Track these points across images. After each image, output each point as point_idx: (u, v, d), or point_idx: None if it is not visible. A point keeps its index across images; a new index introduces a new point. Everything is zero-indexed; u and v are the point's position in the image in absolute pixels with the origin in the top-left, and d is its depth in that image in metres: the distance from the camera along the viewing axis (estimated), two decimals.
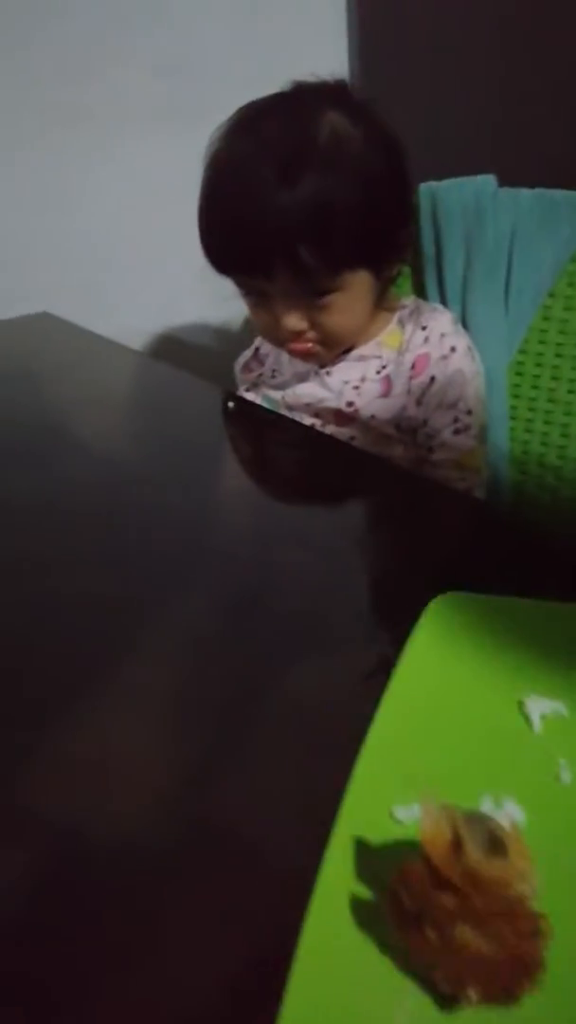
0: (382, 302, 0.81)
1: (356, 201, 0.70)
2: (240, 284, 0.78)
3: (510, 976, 0.25)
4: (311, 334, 0.77)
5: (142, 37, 1.09)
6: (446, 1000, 0.26)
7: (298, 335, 0.77)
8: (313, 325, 0.76)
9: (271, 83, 0.76)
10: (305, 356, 0.81)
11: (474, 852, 0.27)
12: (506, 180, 0.86)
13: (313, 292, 0.74)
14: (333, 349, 0.80)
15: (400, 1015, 0.27)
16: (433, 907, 0.26)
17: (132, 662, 0.44)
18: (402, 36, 1.11)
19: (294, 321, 0.75)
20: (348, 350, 0.82)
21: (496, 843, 0.28)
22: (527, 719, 0.35)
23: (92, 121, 1.09)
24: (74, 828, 0.35)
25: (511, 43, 1.03)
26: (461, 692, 0.37)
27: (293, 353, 0.81)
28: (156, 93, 1.11)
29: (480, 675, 0.38)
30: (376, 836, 0.32)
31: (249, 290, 0.77)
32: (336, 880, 0.30)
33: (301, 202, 0.68)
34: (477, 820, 0.28)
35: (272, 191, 0.68)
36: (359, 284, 0.75)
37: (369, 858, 0.31)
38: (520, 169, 0.85)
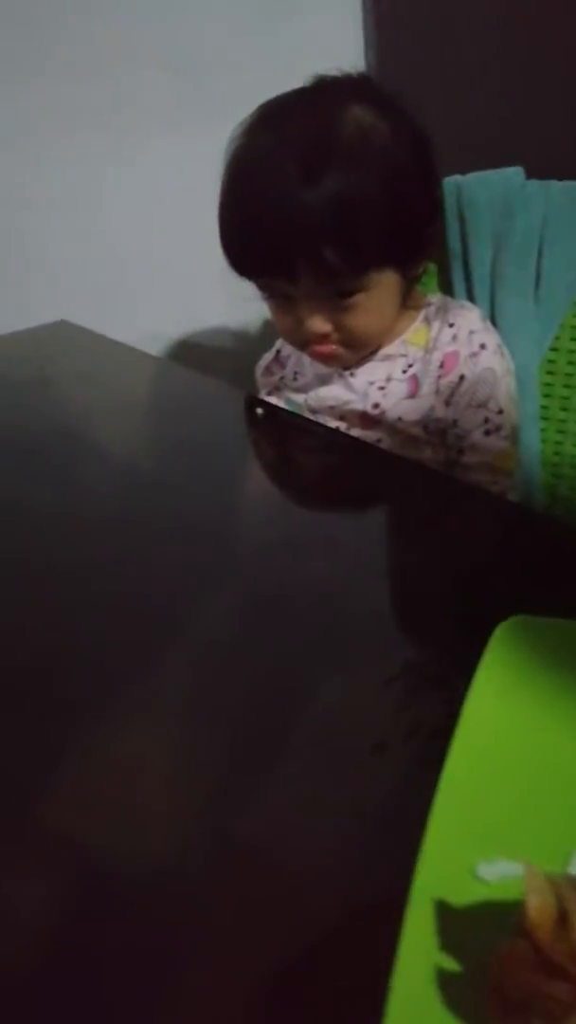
0: (407, 300, 0.78)
1: (382, 197, 0.67)
2: (262, 286, 0.75)
3: None
4: (335, 336, 0.74)
5: (158, 36, 1.06)
6: None
7: (322, 337, 0.74)
8: (337, 327, 0.73)
9: (288, 80, 0.73)
10: (328, 359, 0.78)
11: None
12: (533, 173, 0.83)
13: (338, 293, 0.71)
14: (357, 351, 0.77)
15: None
16: (542, 997, 0.23)
17: (153, 673, 0.43)
18: (420, 29, 1.07)
19: (318, 323, 0.73)
20: (373, 351, 0.78)
21: None
22: None
23: (108, 124, 1.06)
24: (97, 843, 0.33)
25: (533, 33, 0.99)
26: (541, 731, 0.34)
27: (316, 357, 0.78)
28: (171, 93, 1.08)
29: (563, 712, 0.34)
30: (459, 899, 0.29)
31: (271, 292, 0.74)
32: (419, 951, 0.27)
33: (325, 200, 0.65)
34: None
35: (295, 189, 0.65)
36: (385, 284, 0.72)
37: (454, 924, 0.28)
38: (547, 161, 0.82)
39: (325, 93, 0.71)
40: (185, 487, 0.63)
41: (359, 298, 0.71)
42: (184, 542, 0.54)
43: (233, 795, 0.34)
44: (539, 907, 0.24)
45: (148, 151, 1.08)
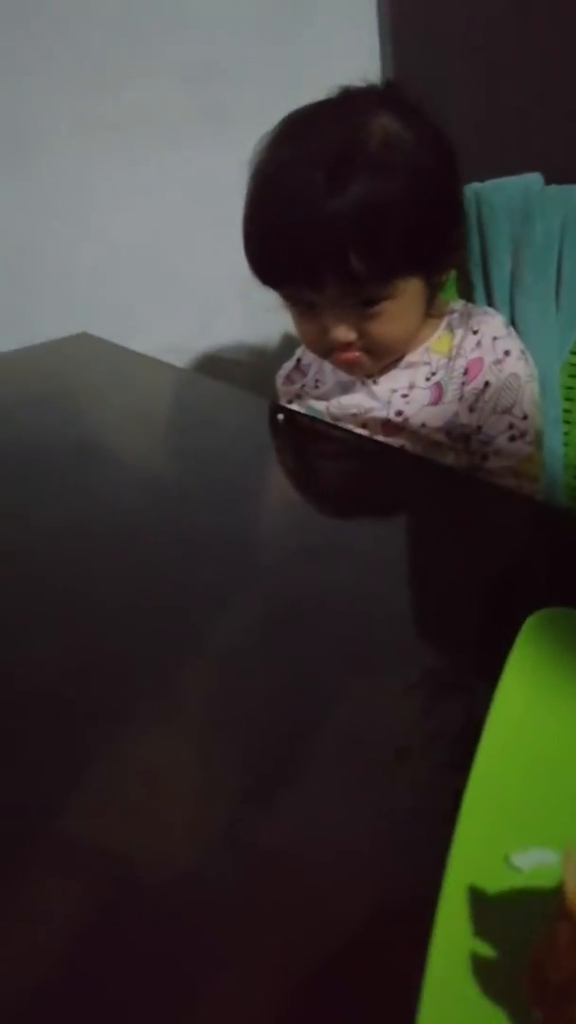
0: (431, 308, 0.78)
1: (408, 205, 0.67)
2: (286, 296, 0.75)
3: None
4: (359, 343, 0.74)
5: (172, 45, 1.08)
6: None
7: (346, 345, 0.74)
8: (362, 335, 0.73)
9: (302, 89, 0.73)
10: (352, 366, 0.78)
11: None
12: (552, 178, 0.83)
13: (363, 301, 0.71)
14: (381, 359, 0.77)
15: None
16: None
17: (176, 681, 0.43)
18: (435, 37, 1.08)
19: (343, 332, 0.72)
20: (397, 359, 0.79)
21: None
22: None
23: (126, 136, 1.08)
24: (122, 855, 0.33)
25: (549, 40, 1.00)
26: (572, 721, 0.33)
27: (339, 365, 0.78)
28: (187, 103, 1.10)
29: None
30: (493, 887, 0.28)
31: (295, 301, 0.75)
32: (454, 940, 0.27)
33: (351, 208, 0.66)
34: None
35: (322, 197, 0.66)
36: (411, 291, 0.72)
37: (489, 913, 0.28)
38: (566, 166, 0.83)
39: (350, 103, 0.72)
40: (208, 496, 0.63)
41: (385, 306, 0.71)
42: (207, 551, 0.54)
43: (257, 801, 0.34)
44: None
45: (166, 163, 1.10)
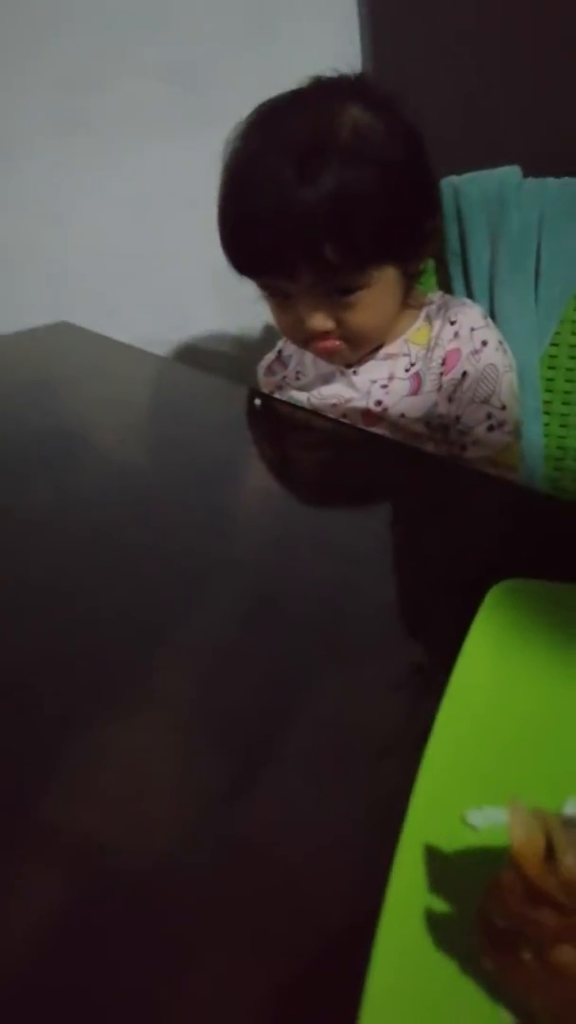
0: (408, 298, 0.78)
1: (379, 194, 0.68)
2: (262, 286, 0.75)
3: None
4: (337, 332, 0.75)
5: (150, 43, 1.08)
6: None
7: (323, 335, 0.74)
8: (339, 324, 0.74)
9: (284, 87, 0.74)
10: (331, 355, 0.78)
11: (572, 861, 0.23)
12: (529, 171, 0.84)
13: (338, 290, 0.71)
14: (359, 348, 0.77)
15: None
16: (530, 925, 0.23)
17: (154, 671, 0.42)
18: (416, 33, 1.09)
19: (319, 321, 0.73)
20: (376, 349, 0.79)
21: None
22: None
23: (105, 128, 1.08)
24: (100, 845, 0.33)
25: (528, 34, 1.01)
26: (532, 685, 0.34)
27: (318, 353, 0.78)
28: (166, 99, 1.10)
29: (552, 667, 0.34)
30: (448, 844, 0.28)
31: (272, 291, 0.75)
32: (407, 894, 0.27)
33: (323, 198, 0.66)
34: (573, 826, 0.24)
35: (293, 188, 0.66)
36: (385, 280, 0.73)
37: (443, 869, 0.28)
38: (543, 159, 0.83)
39: (320, 93, 0.72)
40: (187, 485, 0.63)
41: (360, 295, 0.72)
42: (186, 541, 0.54)
43: (235, 792, 0.34)
44: (525, 838, 0.23)
45: (148, 159, 1.10)
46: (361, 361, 0.80)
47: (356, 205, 0.67)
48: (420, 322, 0.80)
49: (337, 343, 0.75)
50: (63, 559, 0.53)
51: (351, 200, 0.67)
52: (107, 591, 0.49)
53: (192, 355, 1.21)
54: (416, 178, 0.72)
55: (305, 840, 0.31)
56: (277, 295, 0.75)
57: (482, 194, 0.83)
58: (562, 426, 0.84)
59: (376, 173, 0.68)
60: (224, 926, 0.29)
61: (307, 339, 0.76)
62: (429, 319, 0.79)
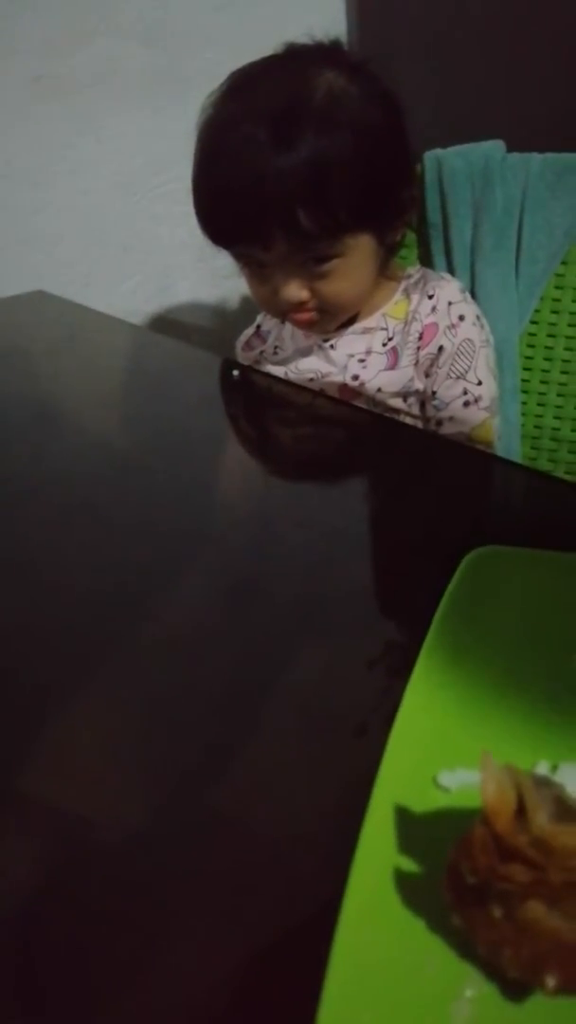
0: (386, 271, 0.78)
1: (355, 160, 0.66)
2: (237, 256, 0.74)
3: None
4: (312, 302, 0.74)
5: (130, 8, 1.05)
6: (515, 987, 0.23)
7: (299, 305, 0.73)
8: (314, 293, 0.73)
9: (263, 50, 0.72)
10: (307, 325, 0.77)
11: (543, 818, 0.23)
12: (514, 147, 0.83)
13: (313, 259, 0.70)
14: (336, 317, 0.76)
15: (459, 1005, 0.23)
16: (500, 881, 0.22)
17: (131, 651, 0.41)
18: (402, 3, 1.08)
19: (294, 291, 0.72)
20: (351, 321, 0.78)
21: (564, 812, 0.24)
22: None
23: (81, 93, 1.06)
24: (78, 820, 0.32)
25: (515, 9, 1.00)
26: (505, 650, 0.33)
27: (295, 323, 0.77)
28: (144, 64, 1.08)
29: (524, 632, 0.34)
30: (419, 806, 0.28)
31: (247, 261, 0.74)
32: (377, 854, 0.27)
33: (297, 165, 0.65)
34: (544, 784, 0.24)
35: (267, 155, 0.65)
36: (361, 249, 0.72)
37: (413, 830, 0.27)
38: (527, 135, 0.83)
39: (295, 59, 0.70)
40: (165, 458, 0.62)
41: (335, 264, 0.71)
42: (163, 513, 0.53)
43: (213, 768, 0.34)
44: (496, 794, 0.23)
45: (126, 126, 1.08)
46: (339, 335, 0.79)
47: (331, 171, 0.66)
48: (398, 296, 0.79)
49: (312, 314, 0.74)
50: (37, 532, 0.52)
51: (326, 166, 0.65)
52: (82, 564, 0.48)
53: (171, 326, 1.19)
54: (393, 144, 0.71)
55: (283, 813, 0.31)
56: (252, 265, 0.74)
57: (467, 168, 0.82)
58: (539, 404, 0.84)
59: (351, 138, 0.66)
60: (201, 895, 0.29)
61: (283, 310, 0.75)
62: (407, 293, 0.79)
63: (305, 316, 0.74)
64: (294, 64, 0.70)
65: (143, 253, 1.12)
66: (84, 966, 0.27)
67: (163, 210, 1.08)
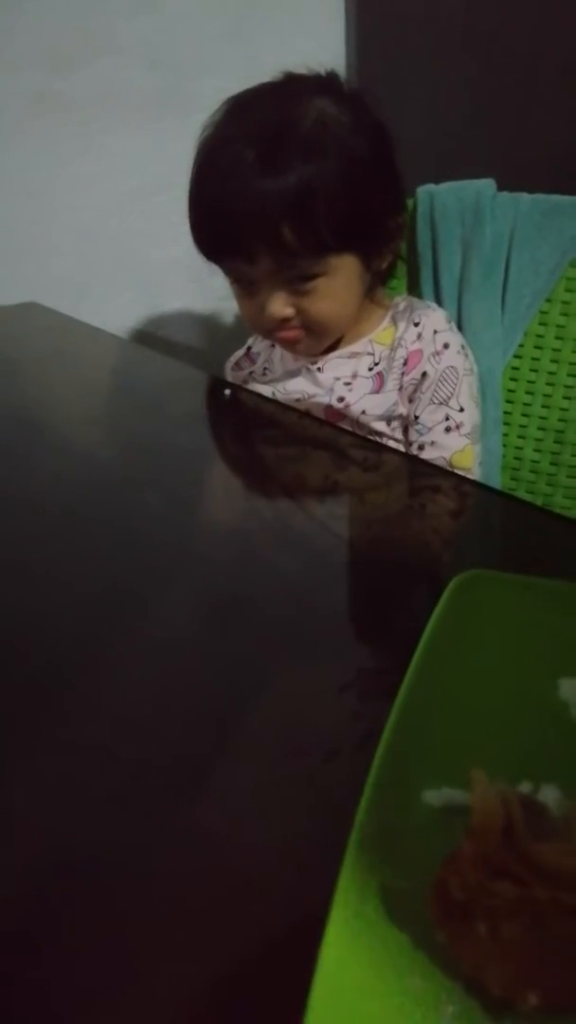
0: (373, 296, 0.79)
1: (340, 185, 0.68)
2: (227, 271, 0.76)
3: None
4: (296, 320, 0.75)
5: (133, 28, 1.07)
6: (498, 1005, 0.23)
7: (283, 322, 0.74)
8: (299, 311, 0.74)
9: (263, 77, 0.74)
10: (292, 344, 0.78)
11: (530, 836, 0.23)
12: (504, 185, 0.85)
13: (297, 277, 0.72)
14: (320, 338, 0.78)
15: (442, 1022, 0.23)
16: (486, 897, 0.23)
17: (112, 668, 0.41)
18: (402, 38, 1.11)
19: (278, 307, 0.73)
20: (337, 345, 0.79)
21: (549, 831, 0.25)
22: (563, 702, 0.33)
23: (81, 111, 1.07)
24: (53, 834, 0.32)
25: (508, 56, 1.03)
26: (489, 673, 0.34)
27: (280, 342, 0.78)
28: (146, 85, 1.09)
29: (509, 655, 0.35)
30: (404, 823, 0.28)
31: (236, 277, 0.75)
32: (361, 872, 0.27)
33: (283, 186, 0.67)
34: (529, 803, 0.25)
35: (254, 175, 0.67)
36: (345, 270, 0.73)
37: (398, 847, 0.28)
38: (517, 174, 0.85)
39: (290, 86, 0.73)
40: (152, 473, 0.62)
41: (319, 283, 0.72)
42: (149, 530, 0.53)
43: (194, 788, 0.33)
44: (485, 811, 0.23)
45: (121, 140, 1.09)
46: (326, 359, 0.80)
47: (315, 194, 0.68)
48: (385, 323, 0.81)
49: (297, 332, 0.76)
50: (22, 545, 0.52)
51: (310, 189, 0.67)
52: (65, 578, 0.48)
53: (162, 343, 1.20)
54: (380, 173, 0.74)
55: (267, 832, 0.31)
56: (241, 282, 0.75)
57: (458, 204, 0.84)
58: (520, 437, 0.86)
59: (338, 164, 0.69)
60: (182, 913, 0.28)
61: (268, 328, 0.76)
62: (394, 321, 0.81)
63: (290, 334, 0.76)
64: (288, 90, 0.73)
65: (136, 270, 1.13)
66: (57, 979, 0.26)
67: (158, 229, 1.09)
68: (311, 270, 0.71)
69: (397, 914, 0.26)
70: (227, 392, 0.75)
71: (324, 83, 0.74)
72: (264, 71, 0.74)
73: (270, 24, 1.14)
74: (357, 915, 0.26)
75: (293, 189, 0.67)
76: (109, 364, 0.86)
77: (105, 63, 1.07)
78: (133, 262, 1.12)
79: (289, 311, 0.73)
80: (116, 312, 1.10)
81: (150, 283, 1.14)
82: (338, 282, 0.73)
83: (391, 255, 0.79)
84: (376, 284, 0.79)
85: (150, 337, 1.18)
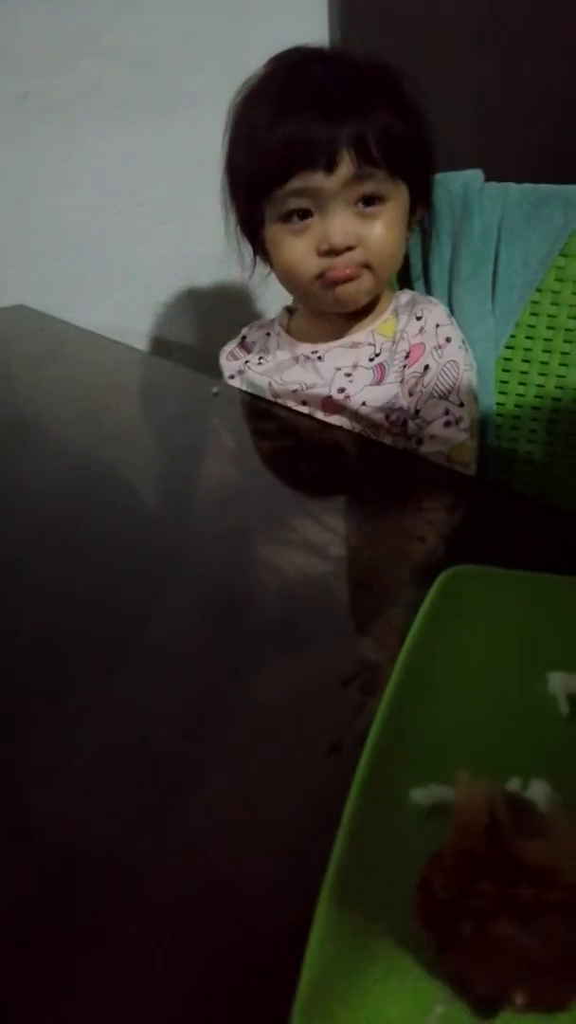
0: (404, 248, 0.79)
1: (408, 120, 0.73)
2: (284, 200, 0.74)
3: (562, 977, 0.21)
4: (357, 253, 0.74)
5: (116, 28, 1.07)
6: (485, 1005, 0.23)
7: (345, 253, 0.73)
8: (360, 242, 0.73)
9: (248, 75, 0.74)
10: (344, 283, 0.75)
11: (514, 835, 0.23)
12: (491, 175, 0.85)
13: (365, 197, 0.73)
14: (374, 278, 0.76)
15: (429, 1022, 0.23)
16: (470, 897, 0.22)
17: (105, 666, 0.41)
18: (385, 27, 1.10)
19: (346, 227, 0.72)
20: (341, 333, 0.79)
21: (536, 828, 0.24)
22: (552, 696, 0.32)
23: (66, 112, 1.07)
24: (43, 833, 0.32)
25: (495, 47, 1.03)
26: (477, 668, 0.34)
27: (333, 280, 0.75)
28: (131, 84, 1.09)
29: (497, 650, 0.34)
30: (391, 822, 0.28)
31: (296, 202, 0.73)
32: (348, 871, 0.27)
33: (369, 105, 0.71)
34: (516, 800, 0.24)
35: (343, 96, 0.71)
36: (403, 201, 0.75)
37: (385, 846, 0.27)
38: (505, 164, 0.85)
39: (327, 52, 0.76)
40: (141, 474, 0.62)
41: (384, 208, 0.73)
42: (142, 531, 0.53)
43: (184, 785, 0.33)
44: (468, 809, 0.23)
45: (112, 145, 1.09)
46: (327, 347, 0.80)
47: (395, 119, 0.72)
48: (387, 315, 0.80)
49: (355, 268, 0.74)
50: (16, 546, 0.52)
51: (392, 114, 0.72)
52: (57, 579, 0.48)
53: (152, 343, 1.19)
54: (428, 127, 0.76)
55: (254, 830, 0.31)
56: (298, 208, 0.73)
57: (447, 196, 0.84)
58: (514, 428, 0.85)
59: (404, 101, 0.74)
60: (166, 911, 0.28)
61: (320, 272, 0.75)
62: (396, 313, 0.80)
63: (346, 272, 0.74)
64: (334, 53, 0.77)
65: (126, 270, 1.12)
66: (51, 995, 0.26)
67: (147, 228, 1.09)
68: (379, 190, 0.73)
69: (384, 914, 0.25)
70: (215, 391, 0.75)
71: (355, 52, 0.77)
72: (248, 69, 0.74)
73: (253, 22, 1.13)
74: (344, 916, 0.25)
75: (379, 109, 0.71)
76: (99, 365, 0.85)
77: (89, 64, 1.06)
78: (122, 262, 1.12)
79: (352, 239, 0.73)
80: (106, 313, 1.10)
81: (140, 283, 1.13)
82: (396, 214, 0.74)
83: (415, 223, 0.80)
84: (410, 228, 0.80)
85: (140, 336, 1.18)
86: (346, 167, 0.71)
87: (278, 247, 0.77)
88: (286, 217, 0.75)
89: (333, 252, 0.73)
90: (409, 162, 0.74)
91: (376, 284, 0.77)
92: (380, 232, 0.74)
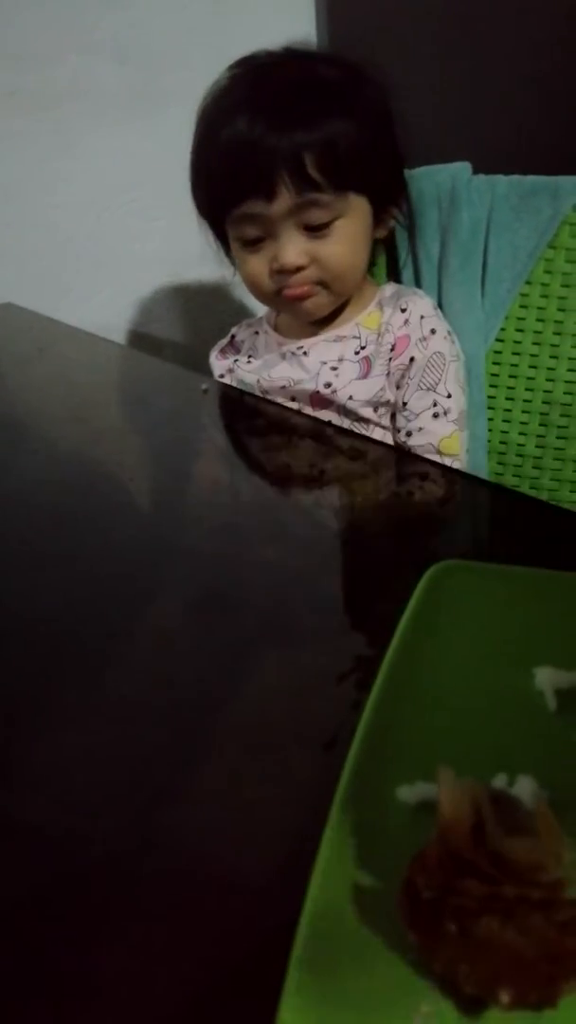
0: (368, 270, 0.79)
1: (362, 126, 0.71)
2: (236, 223, 0.74)
3: (548, 975, 0.21)
4: (310, 272, 0.74)
5: (103, 24, 1.06)
6: (470, 1003, 0.23)
7: (295, 273, 0.73)
8: (313, 261, 0.73)
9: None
10: (302, 300, 0.76)
11: (499, 833, 0.23)
12: (479, 168, 0.85)
13: (313, 220, 0.71)
14: (331, 293, 0.76)
15: (416, 1021, 0.23)
16: (455, 896, 0.22)
17: (98, 663, 0.41)
18: (372, 27, 1.10)
19: (293, 252, 0.72)
20: (325, 325, 0.79)
21: (521, 826, 0.24)
22: (539, 691, 0.32)
23: (54, 109, 1.06)
24: (37, 834, 0.32)
25: (481, 37, 1.02)
26: (464, 664, 0.34)
27: (288, 301, 0.76)
28: (118, 81, 1.08)
29: (484, 645, 0.34)
30: (378, 820, 0.28)
31: (246, 228, 0.73)
32: (335, 870, 0.27)
33: (311, 121, 0.69)
34: (502, 798, 0.24)
35: (279, 112, 0.69)
36: (361, 214, 0.74)
37: (372, 845, 0.27)
38: (493, 156, 0.84)
39: (295, 54, 0.74)
40: (132, 471, 0.61)
41: (337, 225, 0.72)
42: (133, 529, 0.53)
43: (174, 781, 0.33)
44: (453, 809, 0.23)
45: (99, 143, 1.08)
46: (312, 341, 0.79)
47: (340, 129, 0.70)
48: (372, 308, 0.80)
49: (307, 287, 0.74)
50: (4, 544, 0.52)
51: (337, 126, 0.69)
52: (49, 576, 0.48)
53: (142, 341, 1.19)
54: (392, 129, 0.75)
55: (243, 827, 0.31)
56: (251, 235, 0.73)
57: (434, 189, 0.83)
58: (505, 421, 0.85)
59: (358, 107, 0.71)
60: (156, 909, 0.28)
61: (278, 289, 0.75)
62: (381, 306, 0.80)
63: (301, 290, 0.74)
64: (297, 56, 0.75)
65: (114, 267, 1.12)
66: (48, 992, 0.26)
67: (135, 225, 1.08)
68: (330, 208, 0.71)
69: (370, 914, 0.25)
70: (204, 388, 0.75)
71: (325, 56, 0.76)
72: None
73: (240, 18, 1.12)
74: (330, 915, 0.25)
75: (322, 125, 0.69)
76: (88, 363, 0.85)
77: (76, 61, 1.06)
78: (111, 259, 1.11)
79: (304, 259, 0.72)
80: (95, 310, 1.09)
81: (127, 279, 1.13)
82: (353, 228, 0.73)
83: (390, 221, 0.79)
84: (377, 235, 0.79)
85: (129, 333, 1.18)
86: (286, 196, 0.70)
87: (240, 262, 0.78)
88: (240, 236, 0.75)
89: (285, 272, 0.73)
90: (367, 171, 0.72)
91: (335, 297, 0.77)
92: (333, 249, 0.73)
